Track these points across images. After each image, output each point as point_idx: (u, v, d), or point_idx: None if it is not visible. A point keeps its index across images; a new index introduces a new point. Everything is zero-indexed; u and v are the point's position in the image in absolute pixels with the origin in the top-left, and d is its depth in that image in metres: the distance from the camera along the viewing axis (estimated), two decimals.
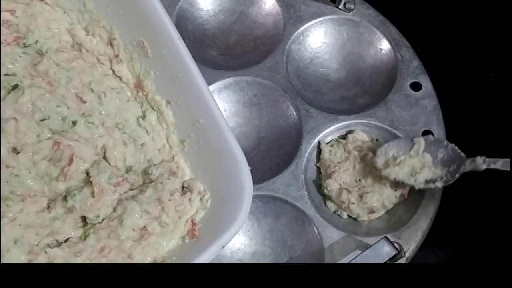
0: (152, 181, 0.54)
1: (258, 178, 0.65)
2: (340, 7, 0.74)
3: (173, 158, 0.56)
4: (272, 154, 0.69)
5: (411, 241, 0.62)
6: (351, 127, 0.69)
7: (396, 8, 0.76)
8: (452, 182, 0.60)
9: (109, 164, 0.54)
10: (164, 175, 0.54)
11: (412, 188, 0.64)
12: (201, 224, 0.52)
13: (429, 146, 0.62)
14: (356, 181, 0.65)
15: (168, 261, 0.50)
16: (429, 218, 0.63)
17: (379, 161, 0.63)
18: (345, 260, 0.61)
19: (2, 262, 0.45)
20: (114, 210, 0.52)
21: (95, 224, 0.51)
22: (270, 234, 0.65)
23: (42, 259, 0.47)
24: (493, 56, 0.76)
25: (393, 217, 0.65)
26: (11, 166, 0.50)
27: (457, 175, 0.59)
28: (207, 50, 0.75)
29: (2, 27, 0.57)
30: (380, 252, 0.57)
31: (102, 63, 0.59)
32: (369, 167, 0.65)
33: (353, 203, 0.64)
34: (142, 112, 0.58)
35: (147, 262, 0.50)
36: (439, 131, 0.68)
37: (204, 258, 0.46)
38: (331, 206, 0.66)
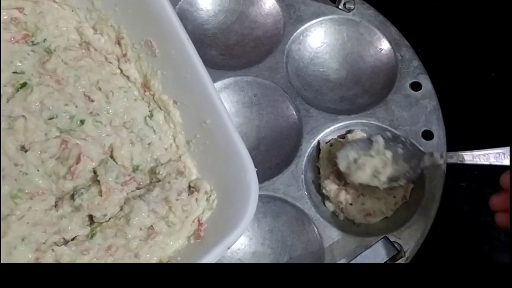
0: (159, 181, 0.54)
1: (258, 178, 0.64)
2: (340, 7, 0.74)
3: (179, 157, 0.56)
4: (272, 154, 0.69)
5: (411, 241, 0.62)
6: (351, 127, 0.69)
7: (396, 8, 0.76)
8: (414, 178, 0.60)
9: (116, 163, 0.54)
10: (172, 174, 0.54)
11: (412, 189, 0.64)
12: (207, 224, 0.52)
13: (388, 142, 0.61)
14: (354, 182, 0.65)
15: (174, 261, 0.50)
16: (429, 218, 0.63)
17: (341, 166, 0.61)
18: (345, 260, 0.61)
19: (9, 260, 0.45)
20: (121, 209, 0.52)
21: (102, 222, 0.51)
22: (270, 234, 0.65)
23: (49, 257, 0.47)
24: (493, 56, 0.76)
25: (393, 217, 0.65)
26: (19, 164, 0.51)
27: (419, 171, 0.59)
28: (207, 50, 0.75)
29: (10, 24, 0.57)
30: (380, 252, 0.57)
31: (110, 62, 0.59)
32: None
33: (351, 204, 0.64)
34: (149, 111, 0.58)
35: (154, 261, 0.50)
36: (439, 131, 0.68)
37: (210, 258, 0.46)
38: (330, 206, 0.66)
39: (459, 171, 0.65)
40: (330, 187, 0.65)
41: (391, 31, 0.74)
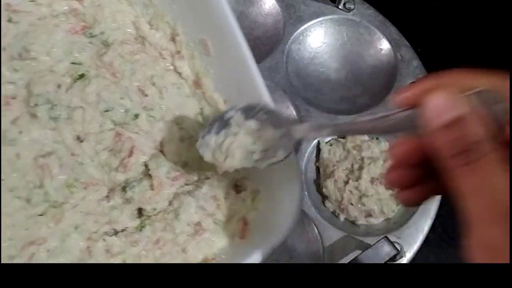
0: (208, 178, 0.54)
1: None
2: (340, 7, 0.74)
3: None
4: None
5: (411, 241, 0.62)
6: None
7: (396, 8, 0.76)
8: (292, 151, 0.47)
9: (166, 158, 0.54)
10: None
11: None
12: (252, 224, 0.52)
13: (248, 113, 0.48)
14: (355, 181, 0.65)
15: (218, 259, 0.50)
16: (429, 218, 0.63)
17: (206, 156, 0.49)
18: (345, 260, 0.61)
19: (62, 247, 0.46)
20: (170, 203, 0.52)
21: (151, 216, 0.52)
22: None
23: (100, 246, 0.47)
24: (493, 56, 0.76)
25: (393, 217, 0.65)
26: (76, 154, 0.51)
27: (293, 141, 0.45)
28: None
29: (69, 15, 0.57)
30: (380, 252, 0.57)
31: (164, 58, 0.59)
32: (367, 168, 0.65)
33: (351, 204, 0.64)
34: (200, 108, 0.58)
35: (200, 258, 0.50)
36: None
37: (254, 258, 0.45)
38: (330, 206, 0.66)
39: None
40: (330, 187, 0.65)
41: (391, 31, 0.74)
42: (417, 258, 0.62)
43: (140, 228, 0.51)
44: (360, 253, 0.57)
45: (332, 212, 0.66)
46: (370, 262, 0.56)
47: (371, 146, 0.67)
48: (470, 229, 0.30)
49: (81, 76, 0.54)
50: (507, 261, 0.29)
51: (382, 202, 0.64)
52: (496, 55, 0.76)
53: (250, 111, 0.48)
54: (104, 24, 0.58)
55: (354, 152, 0.66)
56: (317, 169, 0.68)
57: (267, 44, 0.74)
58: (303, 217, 0.64)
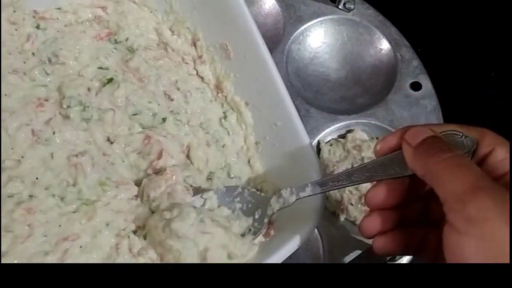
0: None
1: None
2: (340, 7, 0.74)
3: (249, 161, 0.57)
4: None
5: None
6: (351, 127, 0.69)
7: (396, 8, 0.76)
8: (263, 230, 0.49)
9: (192, 164, 0.55)
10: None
11: None
12: (276, 224, 0.52)
13: (222, 198, 0.51)
14: None
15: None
16: None
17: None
18: (345, 260, 0.61)
19: (93, 243, 0.47)
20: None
21: None
22: None
23: (125, 243, 0.48)
24: (493, 56, 0.76)
25: None
26: (107, 154, 0.53)
27: (266, 220, 0.48)
28: None
29: (94, 22, 0.60)
30: None
31: (186, 63, 0.61)
32: None
33: (352, 204, 0.64)
34: (223, 112, 0.59)
35: (224, 257, 0.50)
36: None
37: (277, 258, 0.46)
38: (329, 206, 0.66)
39: None
40: None
41: (391, 31, 0.74)
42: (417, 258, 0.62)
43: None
44: (360, 253, 0.57)
45: (332, 212, 0.66)
46: (370, 262, 0.56)
47: (371, 146, 0.67)
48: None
49: (110, 80, 0.56)
50: None
51: None
52: (496, 55, 0.76)
53: (227, 195, 0.51)
54: (128, 30, 0.61)
55: (354, 152, 0.66)
56: None
57: (267, 44, 0.74)
58: None
